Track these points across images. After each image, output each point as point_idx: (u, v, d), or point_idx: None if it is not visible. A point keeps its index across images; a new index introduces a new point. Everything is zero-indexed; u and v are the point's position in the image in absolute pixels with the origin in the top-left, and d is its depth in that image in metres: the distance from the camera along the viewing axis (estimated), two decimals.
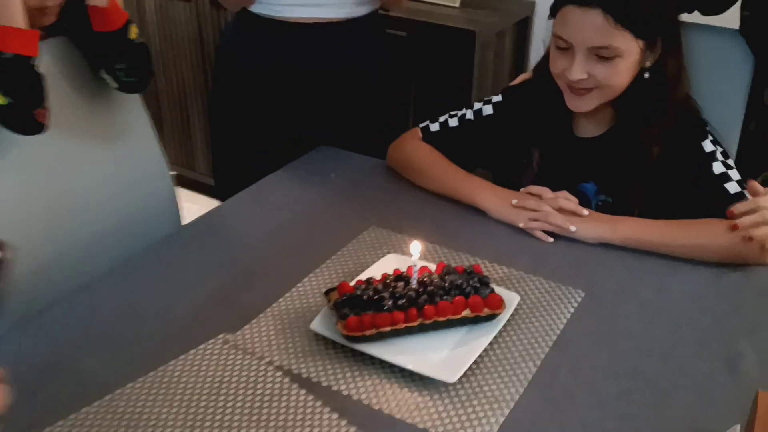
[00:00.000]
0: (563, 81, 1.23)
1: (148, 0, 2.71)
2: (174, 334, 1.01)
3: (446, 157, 1.39)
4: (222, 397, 0.90)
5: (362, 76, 1.59)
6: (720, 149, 1.24)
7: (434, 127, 1.43)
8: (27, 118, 1.12)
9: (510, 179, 1.37)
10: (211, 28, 2.62)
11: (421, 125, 1.45)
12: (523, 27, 2.36)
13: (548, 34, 1.28)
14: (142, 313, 1.05)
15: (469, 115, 1.41)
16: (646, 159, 1.24)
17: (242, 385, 0.92)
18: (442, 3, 2.27)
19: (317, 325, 0.99)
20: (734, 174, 1.22)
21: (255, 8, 1.52)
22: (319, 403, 0.89)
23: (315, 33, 1.52)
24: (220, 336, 0.99)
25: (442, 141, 1.41)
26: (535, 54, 2.41)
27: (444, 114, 1.44)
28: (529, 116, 1.35)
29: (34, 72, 1.11)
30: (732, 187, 1.20)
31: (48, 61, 1.19)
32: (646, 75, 1.22)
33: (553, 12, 1.21)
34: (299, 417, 0.87)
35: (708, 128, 1.25)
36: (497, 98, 1.41)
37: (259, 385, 0.92)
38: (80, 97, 1.29)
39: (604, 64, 1.17)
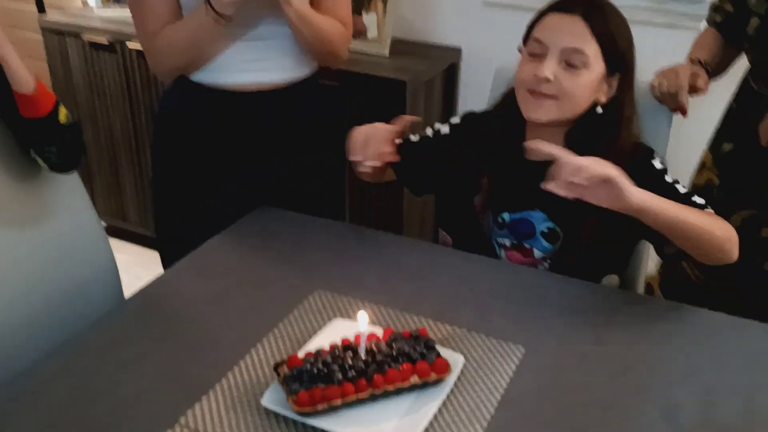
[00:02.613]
0: (526, 87, 1.30)
1: (73, 50, 2.67)
2: (123, 415, 1.00)
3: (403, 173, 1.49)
4: None
5: (302, 133, 1.62)
6: (667, 168, 1.33)
7: (397, 140, 1.48)
8: None
9: (458, 203, 1.44)
10: (138, 79, 2.60)
11: None
12: (451, 73, 2.43)
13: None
14: (88, 396, 1.04)
15: (429, 132, 1.50)
16: None
17: None
18: (372, 53, 2.32)
19: (268, 400, 1.00)
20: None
21: (194, 76, 1.53)
22: None
23: (258, 100, 1.53)
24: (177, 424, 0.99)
25: (405, 151, 1.44)
26: (463, 99, 2.49)
27: None
28: (482, 141, 1.42)
29: None
30: (682, 189, 1.29)
31: None
32: (599, 110, 1.31)
33: (534, 23, 1.33)
34: None
35: (654, 153, 1.34)
36: (455, 120, 1.49)
37: None
38: (7, 173, 1.26)
39: (570, 73, 1.27)
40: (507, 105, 1.38)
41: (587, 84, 1.28)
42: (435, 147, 1.48)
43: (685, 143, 2.22)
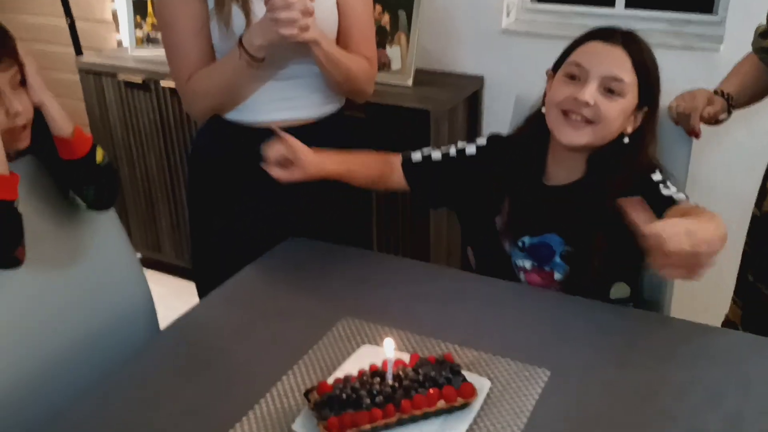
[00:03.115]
0: (562, 108, 1.32)
1: (109, 90, 2.78)
2: None
3: (422, 189, 1.53)
4: None
5: None
6: (668, 180, 1.34)
7: (416, 156, 1.52)
8: (6, 257, 1.14)
9: (479, 223, 1.47)
10: (172, 116, 2.68)
11: (404, 152, 1.53)
12: (474, 101, 2.47)
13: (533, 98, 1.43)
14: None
15: (453, 152, 1.51)
16: (607, 212, 1.30)
17: None
18: (395, 83, 2.37)
19: (300, 426, 1.03)
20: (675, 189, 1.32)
21: (226, 115, 1.59)
22: None
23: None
24: None
25: (421, 171, 1.50)
26: (487, 126, 2.53)
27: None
28: (506, 164, 1.45)
29: (15, 213, 1.13)
30: (665, 191, 1.31)
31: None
32: (626, 140, 1.35)
33: (572, 48, 1.36)
34: None
35: (656, 168, 1.36)
36: (481, 141, 1.51)
37: None
38: (47, 213, 1.32)
39: (608, 99, 1.30)
40: (530, 127, 1.42)
41: (622, 111, 1.32)
42: (458, 167, 1.50)
43: (708, 169, 2.24)
